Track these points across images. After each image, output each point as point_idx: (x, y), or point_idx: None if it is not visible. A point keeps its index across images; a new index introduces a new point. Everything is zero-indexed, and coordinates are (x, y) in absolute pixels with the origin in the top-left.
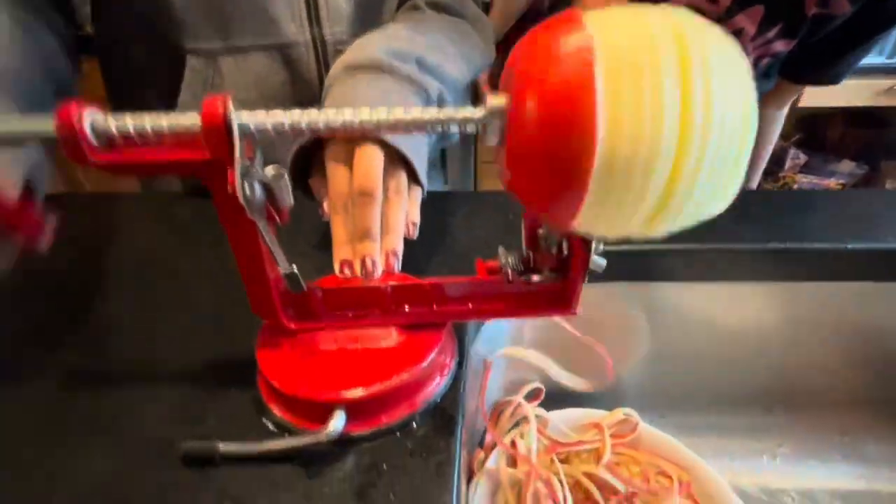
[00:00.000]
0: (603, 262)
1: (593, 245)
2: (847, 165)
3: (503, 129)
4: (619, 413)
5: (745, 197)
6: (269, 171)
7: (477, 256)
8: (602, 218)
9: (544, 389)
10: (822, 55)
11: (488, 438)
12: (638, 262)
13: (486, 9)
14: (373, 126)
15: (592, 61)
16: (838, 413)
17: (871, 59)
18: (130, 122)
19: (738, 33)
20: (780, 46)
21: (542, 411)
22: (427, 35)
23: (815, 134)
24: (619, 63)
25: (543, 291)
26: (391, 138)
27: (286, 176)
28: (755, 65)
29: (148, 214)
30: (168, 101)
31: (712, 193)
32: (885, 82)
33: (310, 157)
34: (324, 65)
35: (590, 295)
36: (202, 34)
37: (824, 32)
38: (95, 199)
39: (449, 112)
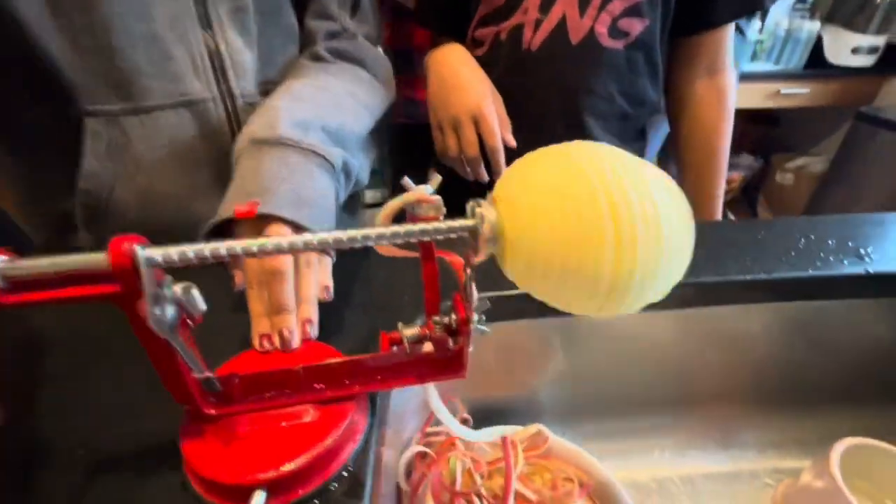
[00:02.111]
0: (486, 329)
1: (474, 318)
2: (746, 159)
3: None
4: (534, 428)
5: None
6: (178, 288)
7: (392, 311)
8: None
9: (471, 419)
10: None
11: (415, 475)
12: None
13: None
14: (301, 247)
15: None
16: (718, 410)
17: (759, 66)
18: (36, 265)
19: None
20: None
21: (467, 433)
22: (328, 92)
23: None
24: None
25: (440, 359)
26: (296, 214)
27: (195, 289)
28: (621, 31)
29: None
30: (73, 163)
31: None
32: (773, 86)
33: (222, 231)
34: (234, 118)
35: (515, 329)
36: (99, 95)
37: None
38: None
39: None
